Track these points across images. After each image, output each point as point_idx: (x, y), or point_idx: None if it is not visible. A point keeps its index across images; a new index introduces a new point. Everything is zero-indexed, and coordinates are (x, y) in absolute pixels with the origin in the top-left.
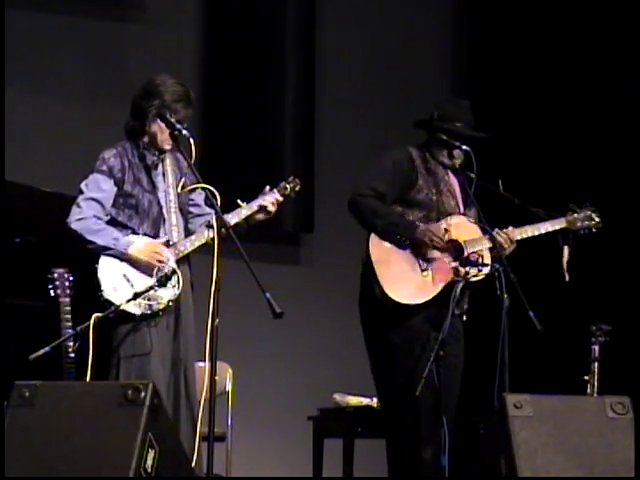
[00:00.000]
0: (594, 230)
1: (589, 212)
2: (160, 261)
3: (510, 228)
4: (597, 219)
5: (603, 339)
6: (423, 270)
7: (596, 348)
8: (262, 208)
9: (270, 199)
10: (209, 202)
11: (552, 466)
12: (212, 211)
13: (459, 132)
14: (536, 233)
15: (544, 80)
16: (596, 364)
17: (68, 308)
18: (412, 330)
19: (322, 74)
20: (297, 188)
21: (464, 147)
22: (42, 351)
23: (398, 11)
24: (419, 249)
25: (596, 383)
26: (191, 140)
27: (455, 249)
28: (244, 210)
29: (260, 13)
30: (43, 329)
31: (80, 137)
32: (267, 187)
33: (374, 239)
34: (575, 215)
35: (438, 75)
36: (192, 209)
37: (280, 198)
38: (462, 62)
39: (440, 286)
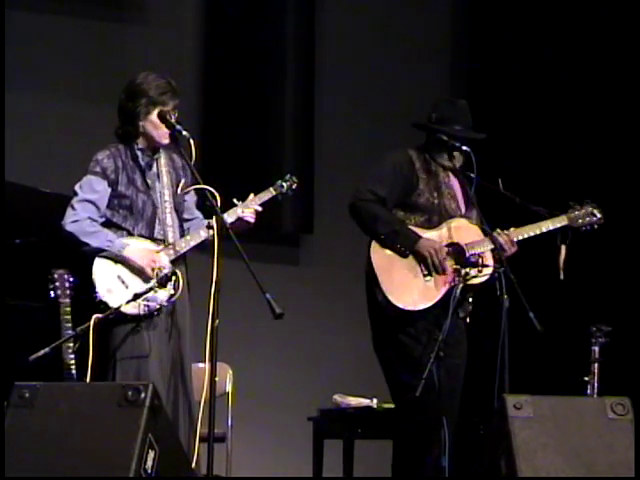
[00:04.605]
0: (596, 227)
1: (590, 208)
2: (154, 269)
3: (512, 229)
4: (599, 215)
5: (603, 340)
6: (425, 275)
7: (596, 349)
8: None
9: (249, 209)
10: (209, 203)
11: (552, 467)
12: (201, 215)
13: (458, 135)
14: (538, 232)
15: (544, 79)
16: (596, 365)
17: (68, 309)
18: (421, 330)
19: (322, 74)
20: (294, 186)
21: (464, 148)
22: (42, 352)
23: (398, 12)
24: (420, 258)
25: (596, 384)
26: (191, 141)
27: (457, 252)
28: (239, 209)
29: (260, 14)
30: (43, 330)
31: (80, 137)
32: (251, 194)
33: (375, 246)
34: (576, 212)
35: (438, 75)
36: (184, 214)
37: (259, 209)
38: (462, 62)
39: (443, 290)
